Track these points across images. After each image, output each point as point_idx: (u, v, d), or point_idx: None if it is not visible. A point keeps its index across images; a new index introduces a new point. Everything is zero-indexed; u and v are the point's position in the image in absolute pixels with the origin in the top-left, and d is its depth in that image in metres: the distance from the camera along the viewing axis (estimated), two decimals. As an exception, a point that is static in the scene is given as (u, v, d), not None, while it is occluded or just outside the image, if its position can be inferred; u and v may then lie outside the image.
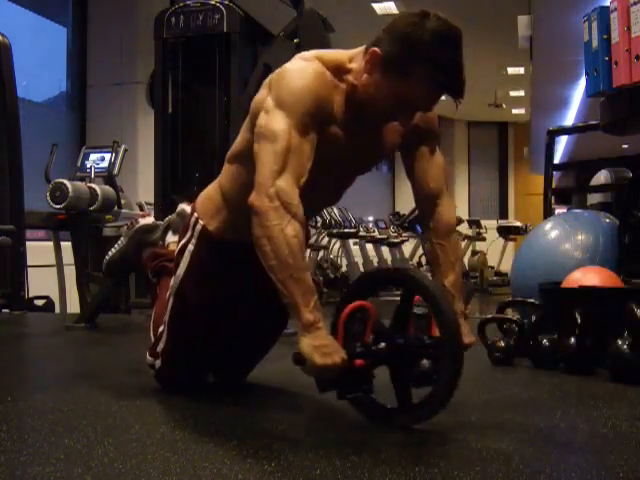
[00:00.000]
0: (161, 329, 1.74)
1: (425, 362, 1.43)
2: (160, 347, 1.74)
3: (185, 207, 2.11)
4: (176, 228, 2.08)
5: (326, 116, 1.44)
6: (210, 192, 1.68)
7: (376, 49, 1.41)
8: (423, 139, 1.61)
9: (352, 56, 1.49)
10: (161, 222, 2.21)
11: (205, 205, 1.67)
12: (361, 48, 1.48)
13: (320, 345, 1.31)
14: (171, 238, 2.09)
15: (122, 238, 2.35)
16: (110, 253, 2.40)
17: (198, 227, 1.65)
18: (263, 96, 1.46)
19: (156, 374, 1.78)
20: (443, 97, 1.44)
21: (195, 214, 1.67)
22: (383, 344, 1.42)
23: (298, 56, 1.50)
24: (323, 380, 1.38)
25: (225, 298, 1.66)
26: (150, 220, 2.28)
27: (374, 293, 1.53)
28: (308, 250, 6.22)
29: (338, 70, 1.47)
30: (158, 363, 1.75)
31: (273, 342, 1.85)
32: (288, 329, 1.85)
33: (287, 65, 1.46)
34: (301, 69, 1.43)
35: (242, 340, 1.77)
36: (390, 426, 1.44)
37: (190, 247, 1.65)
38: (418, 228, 8.82)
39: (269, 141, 1.38)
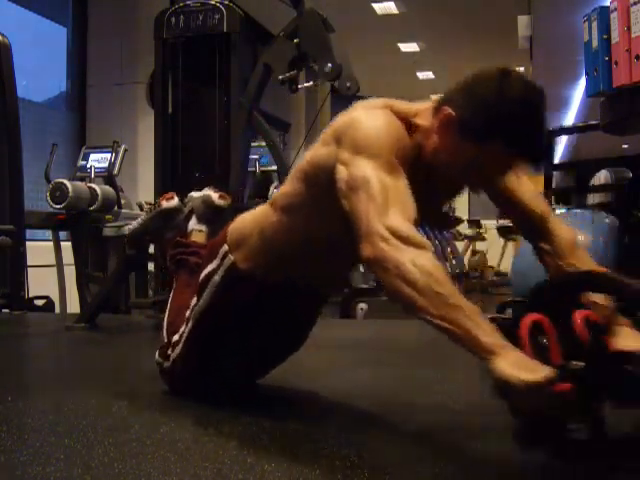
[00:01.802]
0: (176, 338, 1.70)
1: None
2: (173, 355, 1.70)
3: (212, 194, 2.10)
4: (200, 215, 2.08)
5: (402, 161, 1.29)
6: (247, 230, 1.55)
7: (450, 111, 1.28)
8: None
9: (418, 111, 1.36)
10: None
11: (239, 242, 1.56)
12: (428, 104, 1.36)
13: (521, 362, 1.06)
14: (194, 225, 2.07)
15: (143, 215, 2.33)
16: (131, 226, 2.37)
17: (227, 261, 1.56)
18: (329, 150, 1.33)
19: (162, 371, 1.76)
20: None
21: (226, 245, 1.57)
22: (581, 363, 1.13)
23: (362, 104, 1.37)
24: (536, 402, 1.08)
25: (246, 331, 1.62)
26: (174, 203, 2.20)
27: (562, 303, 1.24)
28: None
29: (406, 123, 1.34)
30: (167, 364, 1.72)
31: (288, 356, 1.80)
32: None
33: (353, 113, 1.34)
34: (372, 114, 1.31)
35: (258, 359, 1.74)
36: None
37: (216, 278, 1.58)
38: (418, 228, 8.80)
39: (361, 189, 1.23)
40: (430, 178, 1.36)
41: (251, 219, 1.57)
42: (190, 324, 1.65)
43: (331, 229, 1.39)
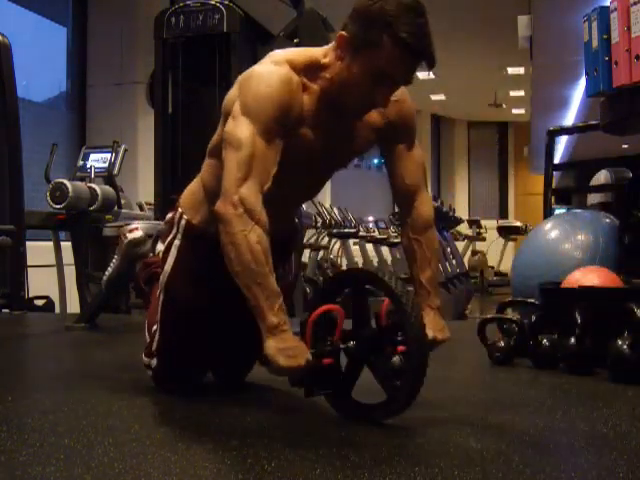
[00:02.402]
0: (155, 327, 1.75)
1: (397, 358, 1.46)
2: (154, 346, 1.74)
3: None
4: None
5: (294, 120, 1.46)
6: (193, 187, 1.71)
7: (342, 33, 1.43)
8: (399, 135, 1.62)
9: (326, 52, 1.50)
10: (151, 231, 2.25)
11: (188, 199, 1.69)
12: (333, 43, 1.49)
13: (285, 347, 1.34)
14: (161, 247, 2.09)
15: (116, 256, 2.41)
16: (107, 273, 2.49)
17: (183, 222, 1.68)
18: (234, 96, 1.48)
19: (153, 374, 1.77)
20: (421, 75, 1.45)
21: (179, 209, 1.70)
22: (352, 342, 1.48)
23: (269, 57, 1.51)
24: (292, 377, 1.42)
25: (214, 293, 1.65)
26: (139, 234, 2.32)
27: (342, 294, 1.55)
28: (308, 250, 6.21)
29: (311, 69, 1.49)
30: (154, 362, 1.74)
31: None
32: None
33: (256, 67, 1.48)
34: (268, 74, 1.45)
35: (236, 338, 1.76)
36: (368, 422, 1.47)
37: (176, 242, 1.68)
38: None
39: (234, 149, 1.41)
40: (343, 115, 1.51)
41: (195, 181, 1.71)
42: (161, 299, 1.70)
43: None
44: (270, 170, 1.42)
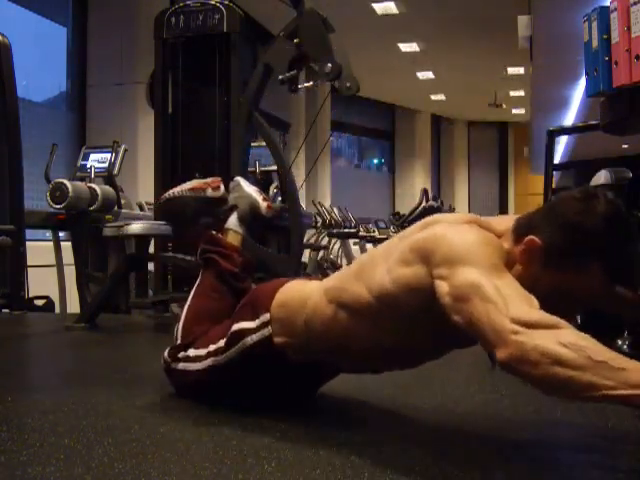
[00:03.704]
0: (191, 353, 1.66)
1: None
2: (181, 365, 1.68)
3: (261, 203, 1.99)
4: (241, 216, 1.98)
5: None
6: (292, 308, 1.52)
7: (535, 239, 1.21)
8: None
9: (503, 233, 1.29)
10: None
11: (281, 318, 1.52)
12: (509, 222, 1.29)
13: None
14: (233, 225, 1.97)
15: (187, 191, 2.11)
16: (168, 194, 2.15)
17: (266, 331, 1.53)
18: (416, 270, 1.25)
19: (168, 369, 1.73)
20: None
21: (269, 315, 1.53)
22: None
23: (444, 218, 1.31)
24: None
25: (258, 389, 1.62)
26: (220, 193, 2.07)
27: None
28: (307, 250, 6.21)
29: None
30: (174, 365, 1.70)
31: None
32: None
33: (437, 230, 1.25)
34: (460, 230, 1.24)
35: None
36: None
37: (248, 340, 1.55)
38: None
39: (472, 297, 1.12)
40: None
41: (299, 300, 1.52)
42: (208, 362, 1.62)
43: (401, 342, 1.36)
44: (525, 292, 1.13)
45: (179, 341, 1.71)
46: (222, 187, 2.08)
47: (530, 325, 1.06)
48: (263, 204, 2.00)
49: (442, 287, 1.18)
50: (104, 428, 1.45)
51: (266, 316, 1.53)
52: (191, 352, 1.66)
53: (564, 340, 1.03)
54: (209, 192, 2.06)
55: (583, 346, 1.02)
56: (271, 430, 1.44)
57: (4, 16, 5.92)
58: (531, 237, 1.21)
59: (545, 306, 1.12)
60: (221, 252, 1.86)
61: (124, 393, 1.79)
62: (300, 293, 1.54)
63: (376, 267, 1.35)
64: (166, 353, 1.73)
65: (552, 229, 1.20)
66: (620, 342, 1.98)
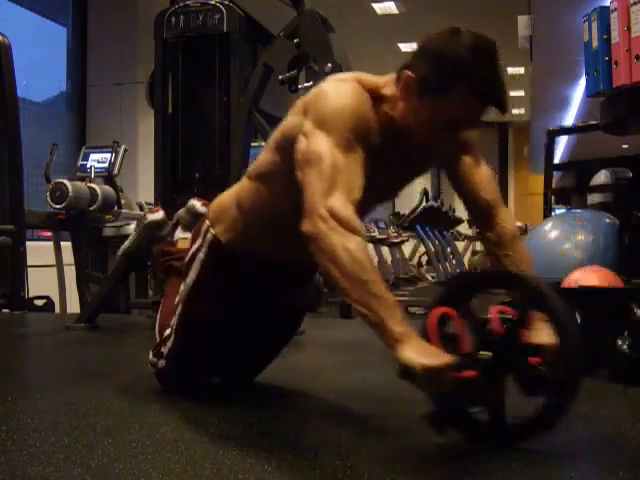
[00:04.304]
0: (168, 332, 1.73)
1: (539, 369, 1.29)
2: (166, 350, 1.72)
3: (195, 203, 2.10)
4: (185, 224, 2.09)
5: (364, 136, 1.34)
6: (225, 201, 1.63)
7: (409, 73, 1.32)
8: (464, 150, 1.51)
9: (385, 82, 1.39)
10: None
11: (219, 215, 1.62)
12: (391, 75, 1.39)
13: (423, 350, 1.17)
14: (180, 234, 2.09)
15: (133, 232, 2.41)
16: (124, 246, 2.48)
17: (209, 236, 1.61)
18: (297, 120, 1.38)
19: (157, 372, 1.77)
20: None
21: (207, 222, 1.64)
22: (490, 353, 1.27)
23: (334, 77, 1.42)
24: (437, 395, 1.22)
25: (235, 311, 1.65)
26: (159, 216, 2.30)
27: (469, 299, 1.34)
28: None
29: (375, 95, 1.38)
30: (161, 363, 1.74)
31: (282, 348, 1.83)
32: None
33: (323, 86, 1.38)
34: (339, 88, 1.35)
35: (251, 348, 1.76)
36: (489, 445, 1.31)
37: (200, 255, 1.63)
38: (418, 228, 8.82)
39: (313, 163, 1.28)
40: (403, 145, 1.40)
41: (229, 193, 1.63)
42: (179, 309, 1.68)
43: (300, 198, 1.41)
44: (357, 180, 1.28)
45: (158, 339, 1.78)
46: (161, 211, 2.33)
47: (337, 219, 1.23)
48: (197, 203, 2.10)
49: (301, 143, 1.33)
50: (104, 428, 1.45)
51: (206, 224, 1.63)
52: (167, 332, 1.73)
53: (350, 246, 1.21)
54: (149, 217, 2.30)
55: (359, 258, 1.20)
56: (271, 430, 1.44)
57: (4, 16, 5.92)
58: (406, 72, 1.32)
59: (432, 139, 1.33)
60: (175, 257, 1.96)
61: (124, 393, 1.79)
62: (231, 189, 1.64)
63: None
64: (151, 354, 1.78)
65: (423, 62, 1.32)
66: (620, 342, 1.98)
